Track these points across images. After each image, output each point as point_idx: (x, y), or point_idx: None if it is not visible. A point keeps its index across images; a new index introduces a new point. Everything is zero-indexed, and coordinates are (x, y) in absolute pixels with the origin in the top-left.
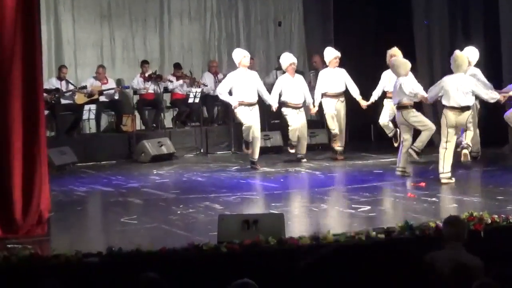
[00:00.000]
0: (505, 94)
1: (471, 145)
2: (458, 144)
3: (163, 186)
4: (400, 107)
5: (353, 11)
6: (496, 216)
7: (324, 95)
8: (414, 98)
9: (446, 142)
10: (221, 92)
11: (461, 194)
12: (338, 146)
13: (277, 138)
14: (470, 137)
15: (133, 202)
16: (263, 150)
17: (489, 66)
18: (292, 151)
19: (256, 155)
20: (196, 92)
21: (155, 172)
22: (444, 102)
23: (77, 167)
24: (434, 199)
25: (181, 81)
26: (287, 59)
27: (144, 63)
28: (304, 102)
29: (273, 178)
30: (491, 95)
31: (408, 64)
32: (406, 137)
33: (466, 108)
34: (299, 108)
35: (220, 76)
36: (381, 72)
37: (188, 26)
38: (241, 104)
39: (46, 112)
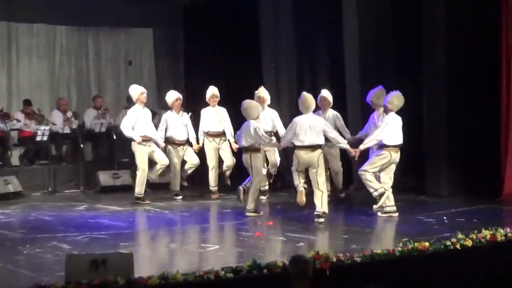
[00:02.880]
0: (357, 150)
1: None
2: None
3: (9, 225)
4: (251, 149)
5: (204, 51)
6: (341, 254)
7: (206, 134)
8: (267, 144)
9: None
10: (125, 129)
11: (308, 233)
12: (213, 186)
13: (126, 176)
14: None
15: None
16: (112, 189)
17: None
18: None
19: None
20: (44, 130)
21: (0, 211)
22: (296, 142)
23: None
24: (282, 237)
25: (27, 121)
26: (172, 95)
27: None
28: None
29: (122, 217)
30: (340, 141)
31: (259, 108)
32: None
33: (318, 146)
34: (183, 144)
35: (69, 113)
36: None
37: (36, 63)
38: (143, 139)
39: None
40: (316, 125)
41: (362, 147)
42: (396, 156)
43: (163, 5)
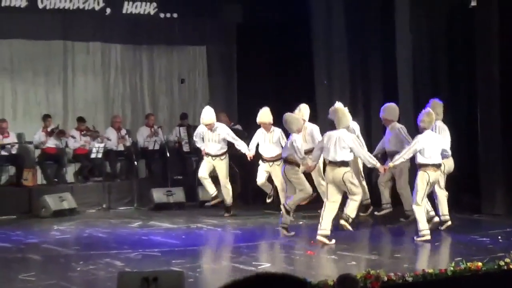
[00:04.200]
0: (386, 167)
1: (352, 216)
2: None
3: (63, 242)
4: (286, 161)
5: (257, 68)
6: (393, 274)
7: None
8: (300, 160)
9: (327, 199)
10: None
11: (360, 252)
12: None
13: (180, 194)
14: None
15: (32, 258)
16: (166, 206)
17: None
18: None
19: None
20: (99, 147)
21: (55, 228)
22: (324, 156)
23: None
24: (333, 256)
25: (82, 138)
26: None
27: (47, 117)
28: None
29: (174, 235)
30: (369, 160)
31: (300, 122)
32: (290, 191)
33: (341, 163)
34: (271, 161)
35: (123, 131)
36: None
37: (92, 81)
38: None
39: None
40: (341, 141)
41: (391, 164)
42: (434, 175)
43: (216, 23)
